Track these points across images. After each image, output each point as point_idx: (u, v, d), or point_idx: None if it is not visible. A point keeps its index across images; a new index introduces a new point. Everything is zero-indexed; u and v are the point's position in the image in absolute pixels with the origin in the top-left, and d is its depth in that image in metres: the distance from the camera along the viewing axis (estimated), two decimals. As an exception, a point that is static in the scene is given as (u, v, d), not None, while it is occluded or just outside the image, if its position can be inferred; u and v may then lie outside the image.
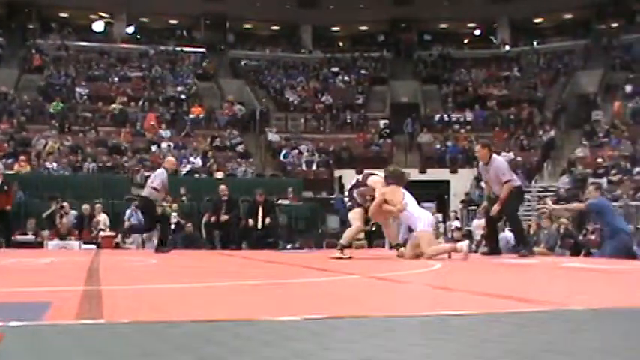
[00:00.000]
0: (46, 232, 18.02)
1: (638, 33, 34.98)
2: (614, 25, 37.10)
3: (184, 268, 8.70)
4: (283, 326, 2.77)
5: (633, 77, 31.44)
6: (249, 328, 2.71)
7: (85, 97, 30.91)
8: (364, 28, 41.60)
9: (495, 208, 10.66)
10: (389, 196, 9.97)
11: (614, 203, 19.77)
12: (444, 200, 27.89)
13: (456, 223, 20.99)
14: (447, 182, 28.30)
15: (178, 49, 37.17)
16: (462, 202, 25.32)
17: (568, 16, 39.60)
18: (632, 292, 5.01)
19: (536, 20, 40.24)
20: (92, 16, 37.41)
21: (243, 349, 2.24)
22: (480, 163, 11.41)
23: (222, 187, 18.03)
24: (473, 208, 23.25)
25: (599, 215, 13.00)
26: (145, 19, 39.41)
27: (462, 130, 31.01)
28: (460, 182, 27.28)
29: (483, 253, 11.50)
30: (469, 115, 31.80)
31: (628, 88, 30.66)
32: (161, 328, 2.72)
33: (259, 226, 17.33)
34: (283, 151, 28.25)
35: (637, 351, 2.26)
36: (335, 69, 37.17)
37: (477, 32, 41.13)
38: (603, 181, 22.89)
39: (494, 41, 39.52)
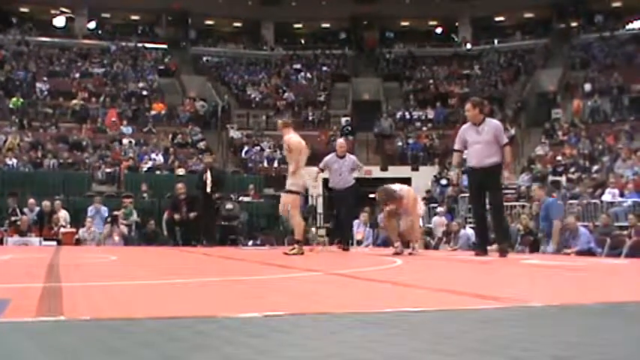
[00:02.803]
0: (5, 229, 17.80)
1: (597, 32, 35.48)
2: (574, 24, 37.60)
3: (145, 265, 8.64)
4: (244, 323, 2.77)
5: (592, 76, 31.88)
6: (210, 325, 2.70)
7: (46, 92, 30.57)
8: (326, 25, 41.65)
9: (508, 174, 9.93)
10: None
11: (573, 201, 20.08)
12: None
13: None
14: (409, 179, 28.44)
15: (140, 45, 36.91)
16: (423, 199, 25.45)
17: (529, 15, 40.06)
18: (590, 289, 5.08)
19: (498, 19, 40.63)
20: (53, 11, 36.95)
21: (204, 346, 2.24)
22: (465, 127, 9.96)
23: (180, 185, 17.95)
24: (434, 205, 23.40)
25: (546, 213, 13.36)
26: (106, 15, 39.05)
27: (424, 128, 31.23)
28: (421, 179, 27.44)
29: (477, 253, 9.72)
30: (430, 113, 32.07)
31: (587, 87, 31.10)
32: (122, 325, 2.70)
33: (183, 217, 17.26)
34: (245, 148, 28.22)
35: (593, 346, 2.30)
36: (297, 66, 37.20)
37: (439, 30, 41.40)
38: (562, 178, 23.22)
39: (456, 39, 39.81)
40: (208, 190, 16.29)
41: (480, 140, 9.57)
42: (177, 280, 5.69)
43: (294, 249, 10.17)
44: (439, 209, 21.00)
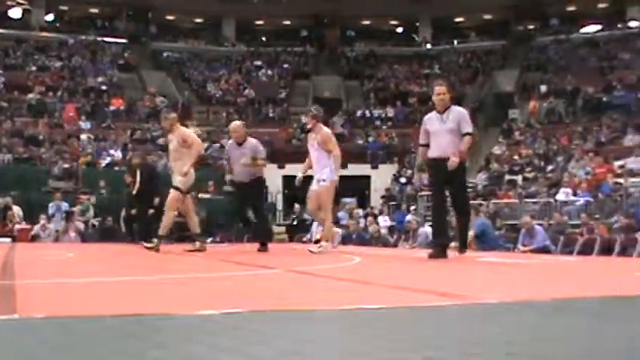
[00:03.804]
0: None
1: (552, 36, 36.03)
2: (531, 27, 38.10)
3: (102, 262, 8.58)
4: (202, 321, 2.78)
5: (548, 78, 32.35)
6: (167, 323, 2.70)
7: (1, 86, 30.05)
8: (288, 22, 41.57)
9: (454, 159, 8.37)
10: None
11: (529, 200, 20.38)
12: (364, 195, 28.21)
13: (383, 219, 21.08)
14: (368, 177, 28.58)
15: (99, 39, 36.46)
16: (382, 197, 25.61)
17: (488, 16, 40.42)
18: (544, 286, 5.17)
19: (457, 20, 40.93)
20: (9, 2, 36.28)
21: (163, 344, 2.23)
22: (427, 117, 9.01)
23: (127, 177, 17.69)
24: (393, 203, 23.58)
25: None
26: (64, 7, 38.48)
27: (384, 127, 31.38)
28: (381, 178, 27.61)
29: (431, 255, 8.58)
30: (390, 112, 32.24)
31: (543, 88, 31.54)
32: (78, 323, 2.69)
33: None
34: (205, 145, 28.04)
35: (546, 341, 2.35)
36: (258, 63, 37.10)
37: (400, 30, 41.60)
38: (519, 178, 23.52)
39: (416, 39, 40.01)
40: (134, 192, 15.70)
41: (443, 129, 8.64)
42: (135, 277, 5.66)
43: (194, 246, 10.22)
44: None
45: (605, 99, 28.87)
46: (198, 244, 10.50)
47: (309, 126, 10.46)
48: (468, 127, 8.68)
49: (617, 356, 2.15)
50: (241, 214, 11.63)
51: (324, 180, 9.92)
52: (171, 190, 10.51)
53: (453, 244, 9.31)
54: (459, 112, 8.79)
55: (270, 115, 32.13)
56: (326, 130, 10.30)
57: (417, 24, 40.54)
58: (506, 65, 35.61)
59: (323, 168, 9.98)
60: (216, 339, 2.31)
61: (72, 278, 5.49)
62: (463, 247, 8.92)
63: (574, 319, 3.03)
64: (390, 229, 20.08)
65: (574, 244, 13.71)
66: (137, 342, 2.26)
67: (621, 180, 19.27)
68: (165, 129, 11.61)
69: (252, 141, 11.04)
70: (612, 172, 20.26)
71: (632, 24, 34.54)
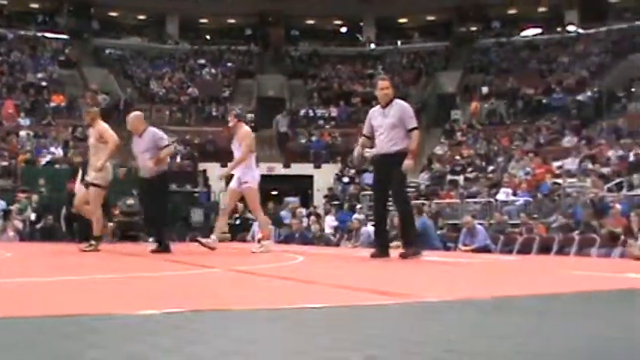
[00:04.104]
0: None
1: (494, 38, 36.61)
2: (473, 29, 38.63)
3: (41, 261, 8.44)
4: (143, 320, 2.75)
5: (489, 80, 32.84)
6: (107, 323, 2.67)
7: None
8: (232, 21, 41.39)
9: (408, 161, 8.17)
10: None
11: (470, 199, 20.65)
12: (307, 195, 28.27)
13: (331, 219, 21.10)
14: (311, 177, 28.64)
15: (40, 34, 35.79)
16: (325, 196, 25.69)
17: (431, 17, 40.81)
18: (483, 284, 5.25)
19: (401, 20, 41.22)
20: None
21: (101, 345, 2.20)
22: (372, 110, 8.75)
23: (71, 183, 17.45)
24: (336, 202, 23.66)
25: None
26: (3, 2, 37.64)
27: (327, 126, 31.48)
28: (323, 177, 27.70)
29: (373, 255, 8.47)
30: (334, 111, 32.37)
31: (484, 89, 32.03)
32: (13, 323, 2.64)
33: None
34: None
35: (485, 339, 2.38)
36: (201, 61, 36.88)
37: (344, 30, 41.75)
38: (460, 178, 23.83)
39: (360, 39, 40.20)
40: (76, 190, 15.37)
41: (385, 124, 8.35)
42: (74, 277, 5.58)
43: (90, 245, 10.09)
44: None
45: (544, 101, 29.48)
46: (93, 244, 10.26)
47: (230, 124, 10.35)
48: (413, 122, 8.35)
49: (554, 353, 2.20)
50: (145, 213, 11.10)
51: (246, 182, 9.92)
52: (91, 188, 10.35)
53: (394, 243, 9.35)
54: (401, 106, 8.43)
55: (214, 114, 31.94)
56: (246, 129, 10.22)
57: (361, 24, 40.74)
58: (449, 66, 36.04)
59: (245, 168, 9.98)
60: (157, 339, 2.29)
61: (9, 278, 5.39)
62: (407, 246, 8.38)
63: (513, 317, 3.08)
64: (334, 228, 20.16)
65: (514, 244, 13.93)
66: (75, 342, 2.23)
67: (559, 180, 19.68)
68: (86, 123, 11.35)
69: (150, 130, 10.11)
70: (551, 173, 20.68)
71: (570, 28, 35.30)
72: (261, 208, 10.41)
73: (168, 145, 10.29)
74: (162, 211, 10.51)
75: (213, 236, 10.10)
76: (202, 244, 10.02)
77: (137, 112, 10.78)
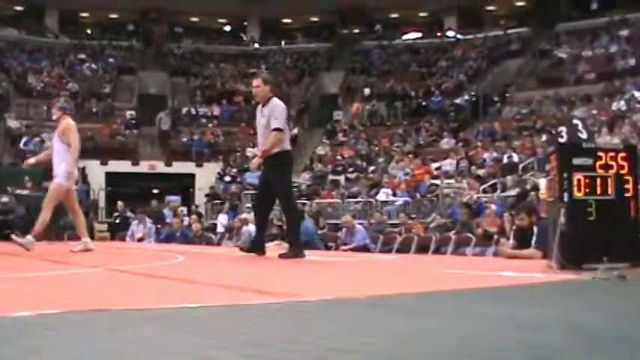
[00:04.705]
0: None
1: (376, 40, 37.30)
2: (356, 31, 39.22)
3: None
4: (17, 322, 2.70)
5: (371, 81, 33.42)
6: (-21, 325, 2.61)
7: None
8: (114, 16, 40.46)
9: (256, 160, 8.35)
10: None
11: (351, 199, 20.94)
12: (188, 193, 28.07)
13: (224, 217, 20.89)
14: (192, 175, 28.41)
15: None
16: (206, 195, 25.53)
17: (314, 18, 41.12)
18: (361, 283, 5.36)
19: (285, 21, 41.37)
20: None
21: (-28, 347, 2.16)
22: (257, 109, 8.61)
23: None
24: (217, 201, 23.57)
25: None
26: None
27: (209, 125, 31.28)
28: (205, 176, 27.52)
29: (241, 249, 8.94)
30: (216, 110, 32.18)
31: (366, 91, 32.54)
32: None
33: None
34: (24, 139, 26.86)
35: (361, 336, 2.46)
36: (82, 56, 35.84)
37: (228, 28, 41.56)
38: (341, 178, 24.14)
39: (244, 38, 40.11)
40: None
41: (260, 123, 8.32)
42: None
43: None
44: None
45: (424, 103, 30.24)
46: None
47: (54, 117, 10.08)
48: (277, 123, 8.10)
49: (427, 351, 2.30)
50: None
51: (58, 177, 9.71)
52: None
53: (274, 242, 9.40)
54: (273, 106, 8.24)
55: (94, 110, 31.14)
56: (68, 121, 9.86)
57: (245, 23, 40.64)
58: (332, 67, 36.44)
59: (60, 162, 9.72)
60: (30, 341, 2.26)
61: None
62: (292, 247, 8.30)
63: (389, 315, 3.18)
64: (214, 227, 20.09)
65: (393, 243, 14.17)
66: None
67: (437, 181, 20.22)
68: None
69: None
70: (429, 174, 21.22)
71: (449, 33, 36.38)
72: (52, 208, 10.08)
73: None
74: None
75: (84, 238, 9.79)
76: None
77: None
